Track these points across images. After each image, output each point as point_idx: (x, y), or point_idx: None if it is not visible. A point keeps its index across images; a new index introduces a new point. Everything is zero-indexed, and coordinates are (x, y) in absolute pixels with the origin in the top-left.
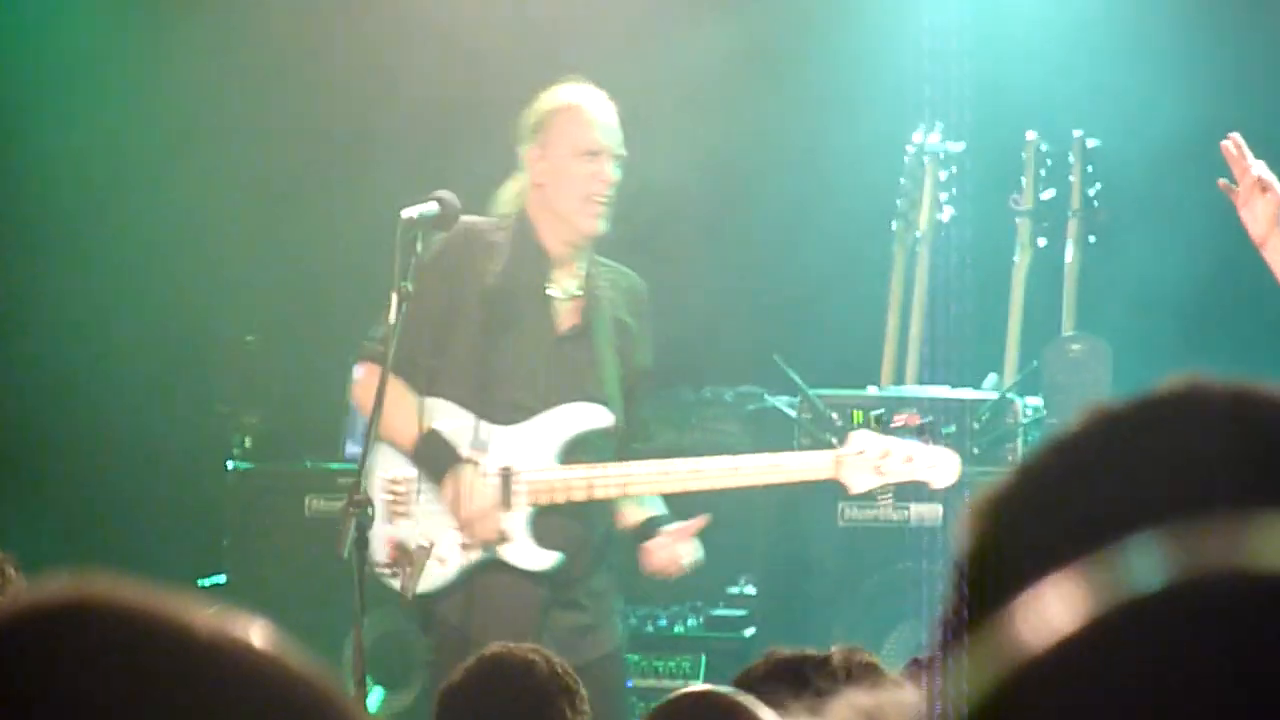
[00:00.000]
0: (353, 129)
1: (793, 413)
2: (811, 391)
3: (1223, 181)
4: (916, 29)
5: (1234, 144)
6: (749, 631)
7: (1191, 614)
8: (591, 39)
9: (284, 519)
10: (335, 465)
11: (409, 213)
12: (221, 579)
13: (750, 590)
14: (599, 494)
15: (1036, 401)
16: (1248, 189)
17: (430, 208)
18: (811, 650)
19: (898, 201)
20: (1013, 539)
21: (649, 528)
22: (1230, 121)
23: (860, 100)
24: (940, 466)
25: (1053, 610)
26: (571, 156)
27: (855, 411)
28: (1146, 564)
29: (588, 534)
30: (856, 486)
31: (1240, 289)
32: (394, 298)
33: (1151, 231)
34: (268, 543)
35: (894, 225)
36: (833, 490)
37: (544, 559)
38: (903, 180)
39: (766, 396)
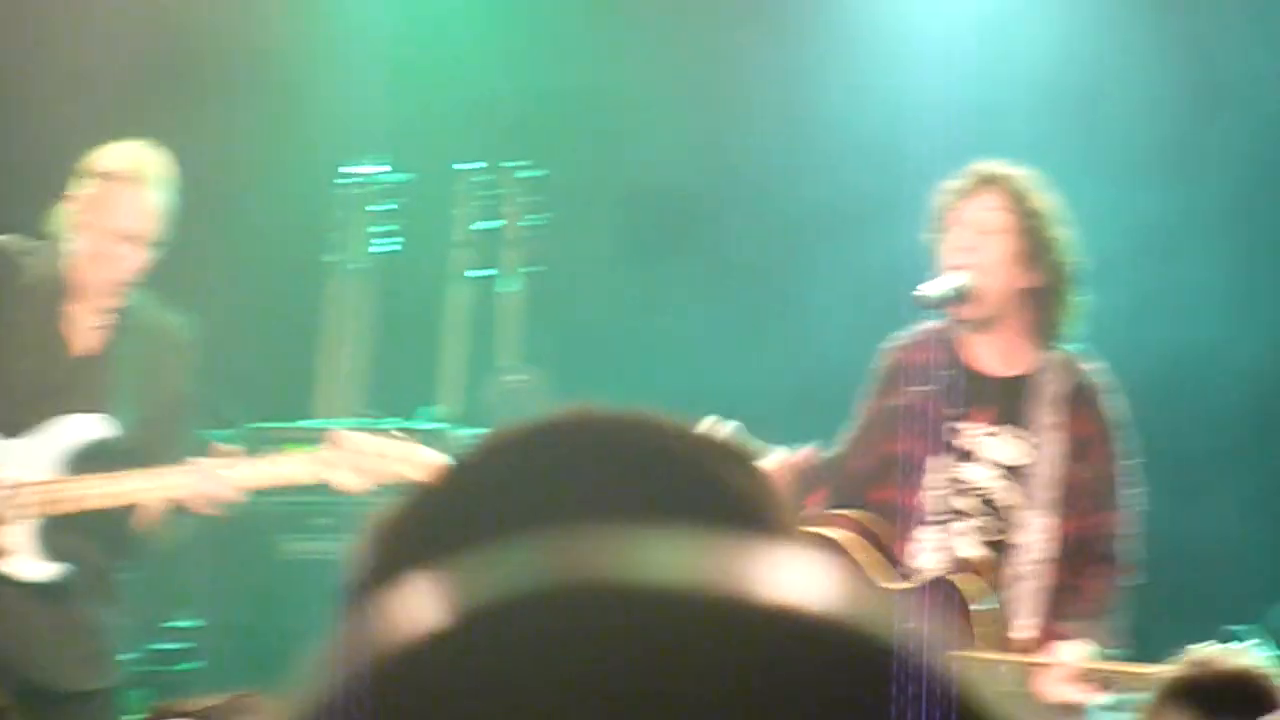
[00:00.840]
0: None
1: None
2: (250, 425)
3: None
4: (349, 60)
5: None
6: (193, 664)
7: (548, 618)
8: None
9: None
10: None
11: None
12: None
13: (193, 623)
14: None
15: (473, 434)
16: None
17: None
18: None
19: (332, 233)
20: (399, 554)
21: None
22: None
23: (295, 131)
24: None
25: (417, 607)
26: (108, 233)
27: (290, 444)
28: (513, 569)
29: (88, 549)
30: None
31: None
32: None
33: (588, 263)
34: None
35: (329, 257)
36: (276, 523)
37: (43, 571)
38: (338, 212)
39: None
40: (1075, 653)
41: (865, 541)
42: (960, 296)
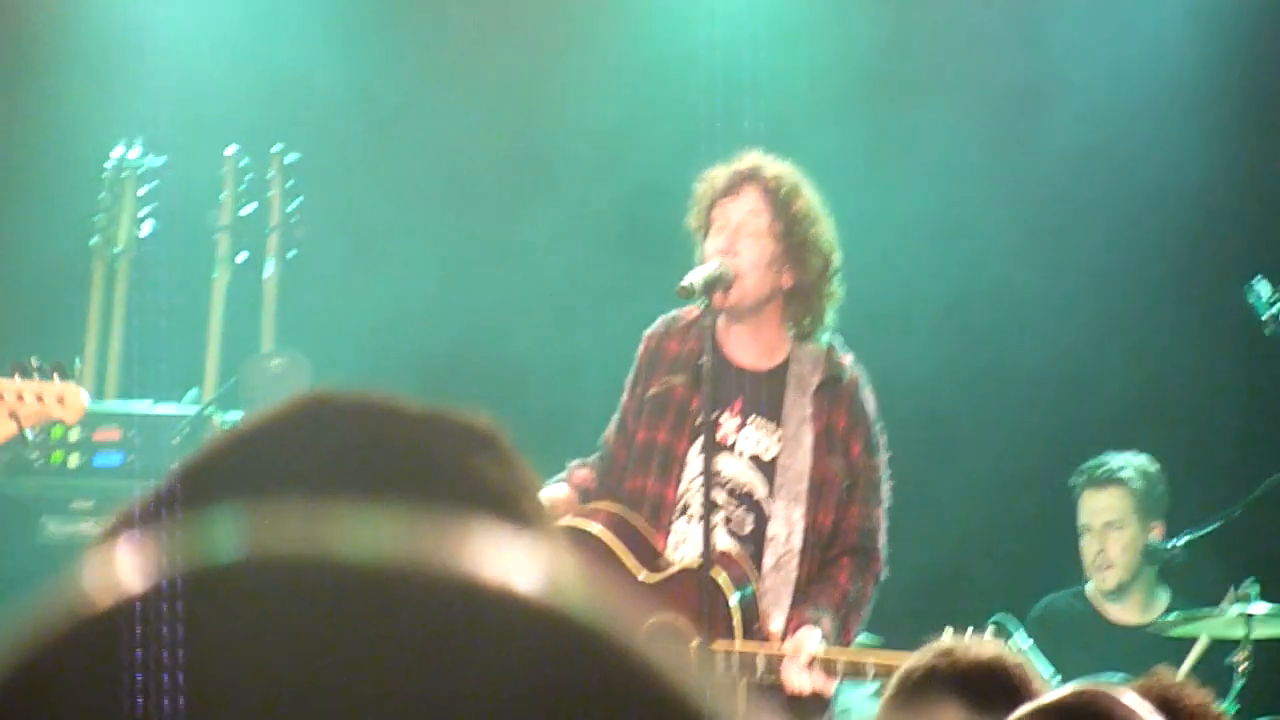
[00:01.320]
0: None
1: None
2: None
3: None
4: (115, 45)
5: None
6: None
7: (241, 587)
8: None
9: None
10: None
11: None
12: None
13: None
14: None
15: (236, 417)
16: None
17: None
18: None
19: (97, 217)
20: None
21: None
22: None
23: (60, 115)
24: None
25: (120, 570)
26: None
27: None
28: (222, 537)
29: None
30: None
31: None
32: None
33: (349, 247)
34: None
35: (93, 240)
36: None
37: None
38: (102, 195)
39: None
40: (814, 641)
41: (622, 533)
42: (719, 286)
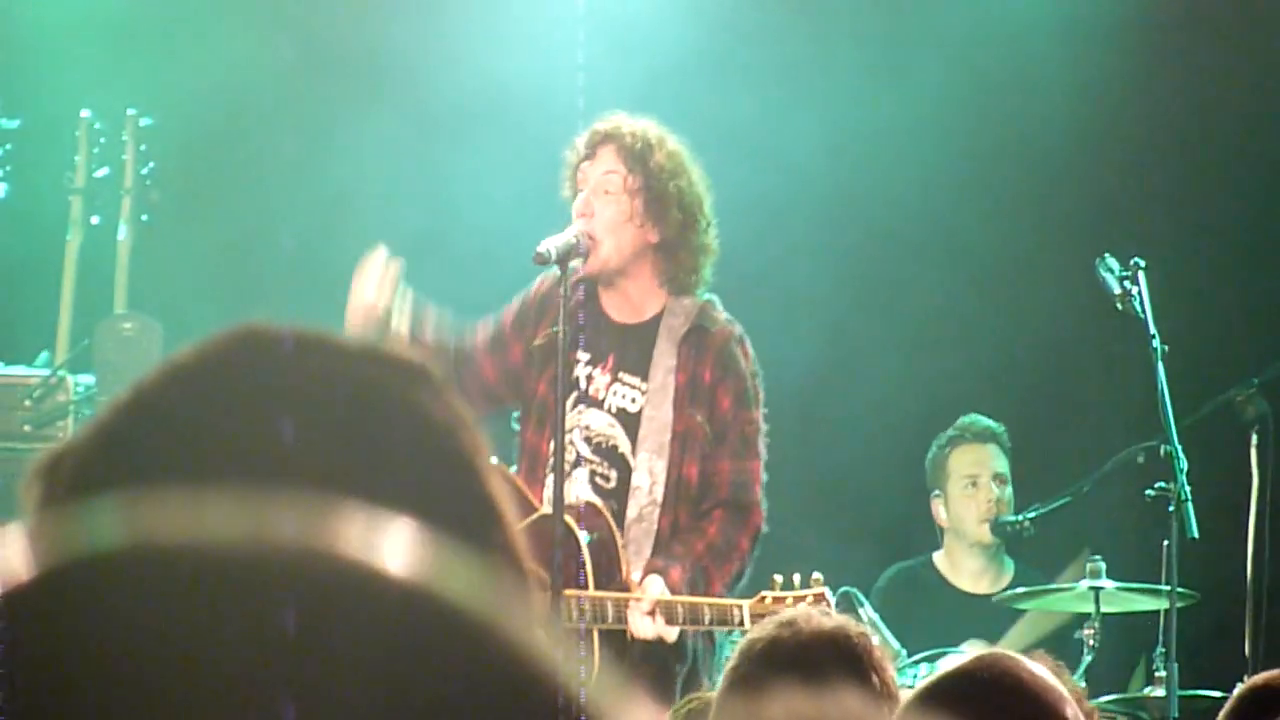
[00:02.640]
0: None
1: None
2: None
3: None
4: None
5: None
6: None
7: (133, 576)
8: None
9: None
10: None
11: None
12: None
13: None
14: None
15: (88, 379)
16: None
17: None
18: None
19: None
20: (72, 489)
21: None
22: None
23: None
24: None
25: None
26: None
27: None
28: (104, 525)
29: None
30: None
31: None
32: None
33: (201, 210)
34: None
35: None
36: None
37: None
38: None
39: None
40: (656, 587)
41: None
42: (576, 253)
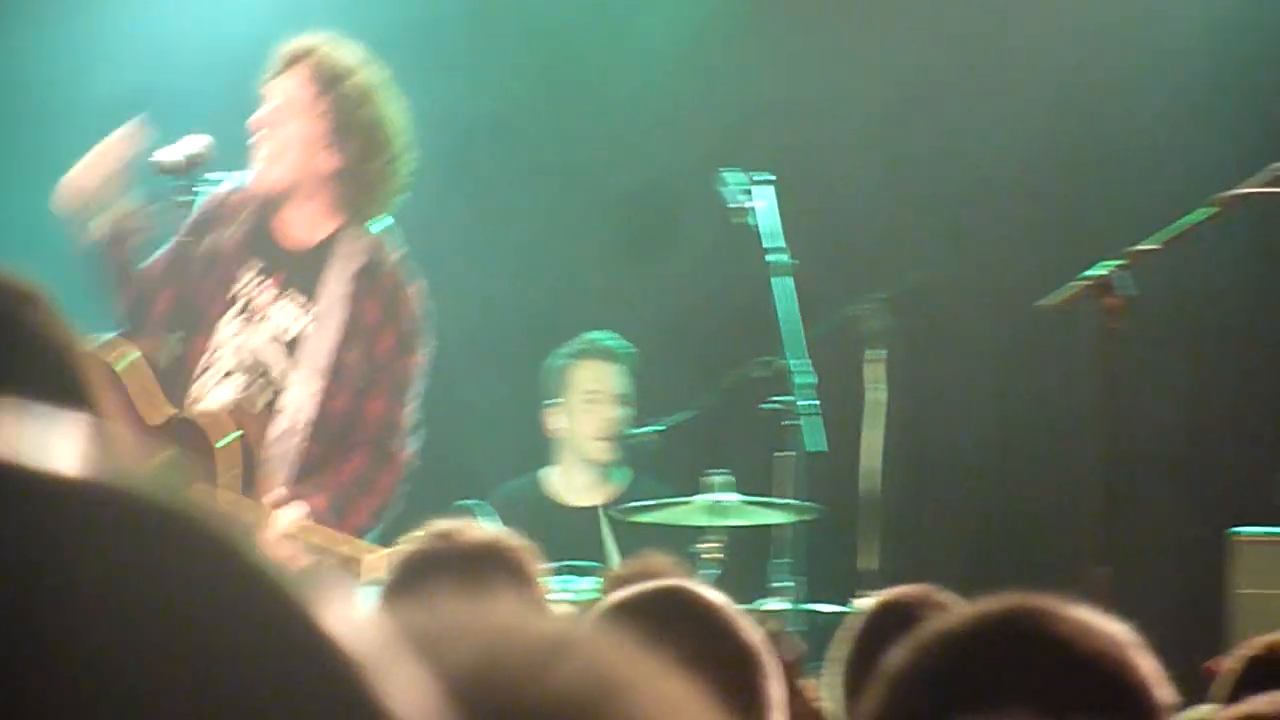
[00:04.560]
0: None
1: None
2: None
3: None
4: None
5: None
6: None
7: None
8: None
9: None
10: None
11: None
12: None
13: None
14: None
15: None
16: None
17: None
18: None
19: None
20: None
21: None
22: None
23: None
24: None
25: None
26: None
27: None
28: None
29: None
30: None
31: None
32: None
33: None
34: None
35: None
36: None
37: None
38: None
39: None
40: (289, 516)
41: (145, 375)
42: (196, 164)
